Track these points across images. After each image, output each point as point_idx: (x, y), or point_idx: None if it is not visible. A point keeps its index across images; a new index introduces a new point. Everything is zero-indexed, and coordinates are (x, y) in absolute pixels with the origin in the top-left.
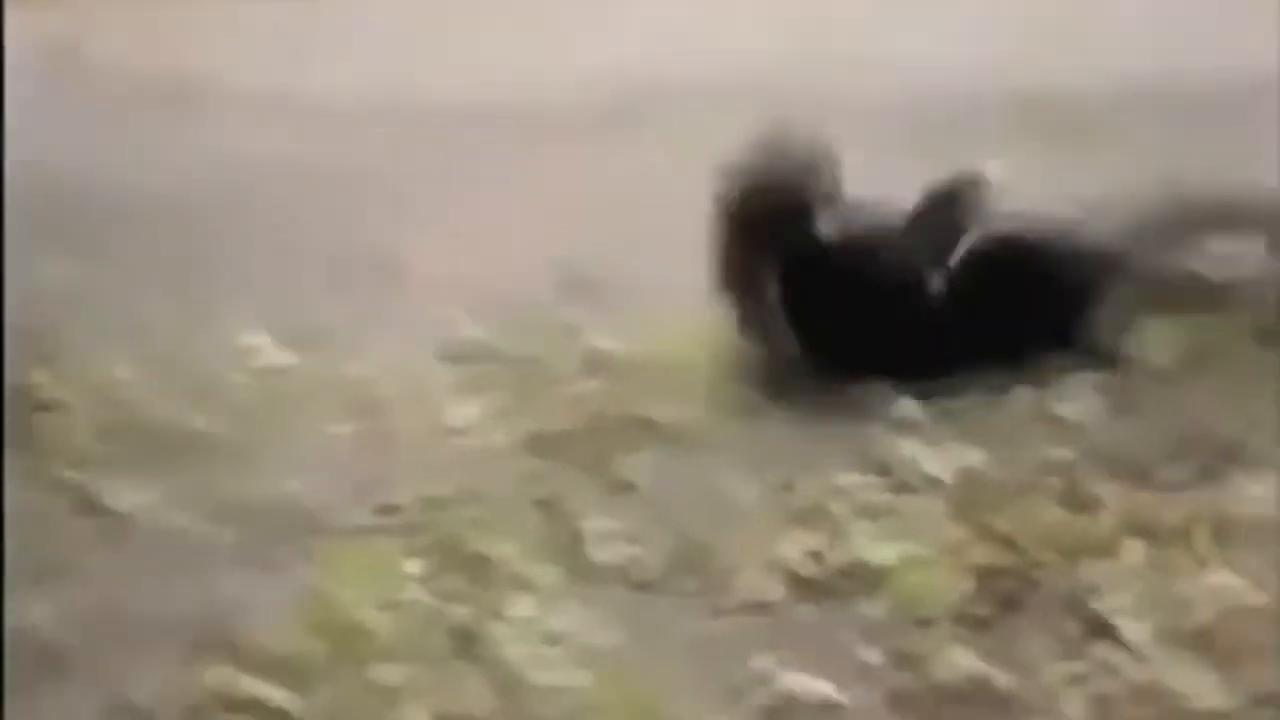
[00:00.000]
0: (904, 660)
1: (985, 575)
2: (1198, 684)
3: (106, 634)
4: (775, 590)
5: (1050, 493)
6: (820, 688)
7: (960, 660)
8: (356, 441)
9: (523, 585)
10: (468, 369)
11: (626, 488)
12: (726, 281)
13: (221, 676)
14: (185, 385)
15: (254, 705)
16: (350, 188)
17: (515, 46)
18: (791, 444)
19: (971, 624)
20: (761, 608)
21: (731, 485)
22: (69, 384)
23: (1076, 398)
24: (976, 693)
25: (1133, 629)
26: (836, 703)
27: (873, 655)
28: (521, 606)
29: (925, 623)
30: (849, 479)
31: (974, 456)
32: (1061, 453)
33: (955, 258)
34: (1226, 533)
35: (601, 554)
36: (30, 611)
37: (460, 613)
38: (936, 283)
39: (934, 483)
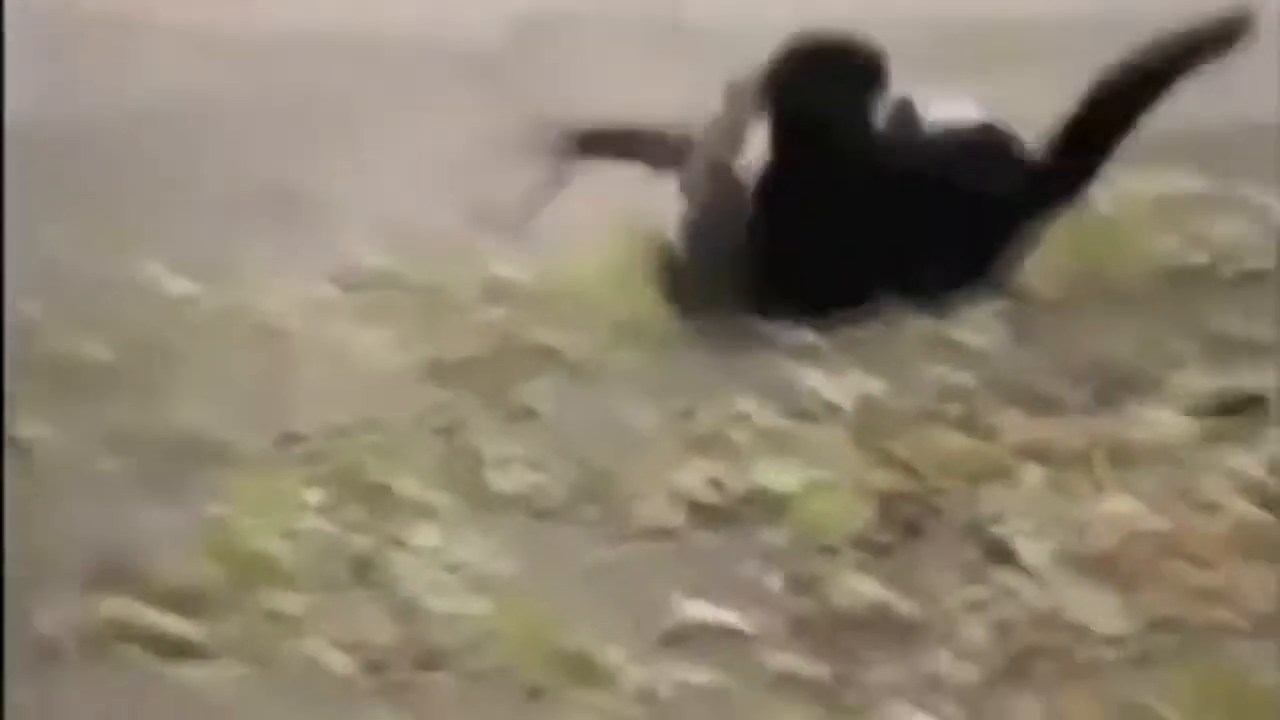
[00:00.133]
0: (805, 587)
1: (885, 501)
2: (1097, 608)
3: (5, 564)
4: (676, 517)
5: (949, 419)
6: (721, 614)
7: (861, 586)
8: (258, 371)
9: (423, 513)
10: (369, 298)
11: (528, 415)
12: (719, 149)
13: (121, 607)
14: (87, 316)
15: (154, 635)
16: (256, 119)
17: None
18: (692, 372)
19: (872, 550)
20: (662, 534)
21: (633, 413)
22: None
23: (975, 325)
24: (877, 619)
25: (1032, 554)
26: (737, 629)
27: (773, 582)
28: (422, 535)
29: (826, 549)
30: (749, 407)
31: (873, 384)
32: (960, 379)
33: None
34: (1124, 458)
35: (502, 482)
36: None
37: (360, 541)
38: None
39: (834, 410)
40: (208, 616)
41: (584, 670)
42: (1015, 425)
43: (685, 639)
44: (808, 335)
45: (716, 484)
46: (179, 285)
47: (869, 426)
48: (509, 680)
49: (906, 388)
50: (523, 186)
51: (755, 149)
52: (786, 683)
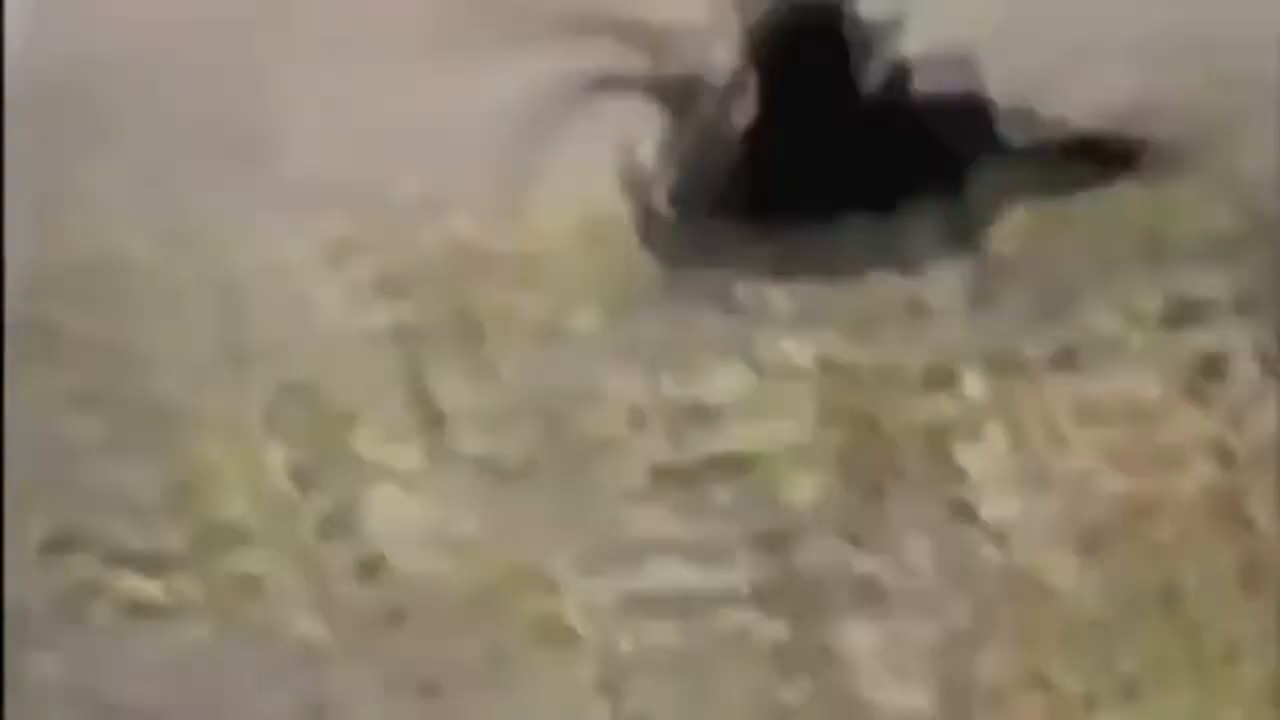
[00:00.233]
0: (769, 547)
1: (850, 461)
2: (1062, 567)
3: None
4: (639, 478)
5: (915, 379)
6: (685, 575)
7: (825, 546)
8: (221, 330)
9: (387, 472)
10: (335, 255)
11: (491, 375)
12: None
13: (87, 567)
14: (48, 274)
15: (120, 596)
16: (217, 78)
17: None
18: (658, 332)
19: (837, 510)
20: (625, 496)
21: (597, 373)
22: None
23: (941, 285)
24: (843, 579)
25: (998, 513)
26: (702, 590)
27: (739, 543)
28: (386, 493)
29: (791, 510)
30: (715, 366)
31: (839, 343)
32: (927, 338)
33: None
34: (1089, 417)
35: (465, 441)
36: None
37: (325, 501)
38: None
39: (800, 370)
40: (173, 576)
41: (548, 630)
42: (981, 384)
43: (649, 599)
44: (776, 294)
45: (680, 443)
46: (144, 244)
47: (834, 386)
48: (473, 639)
49: (873, 347)
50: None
51: (747, 104)
52: (749, 642)
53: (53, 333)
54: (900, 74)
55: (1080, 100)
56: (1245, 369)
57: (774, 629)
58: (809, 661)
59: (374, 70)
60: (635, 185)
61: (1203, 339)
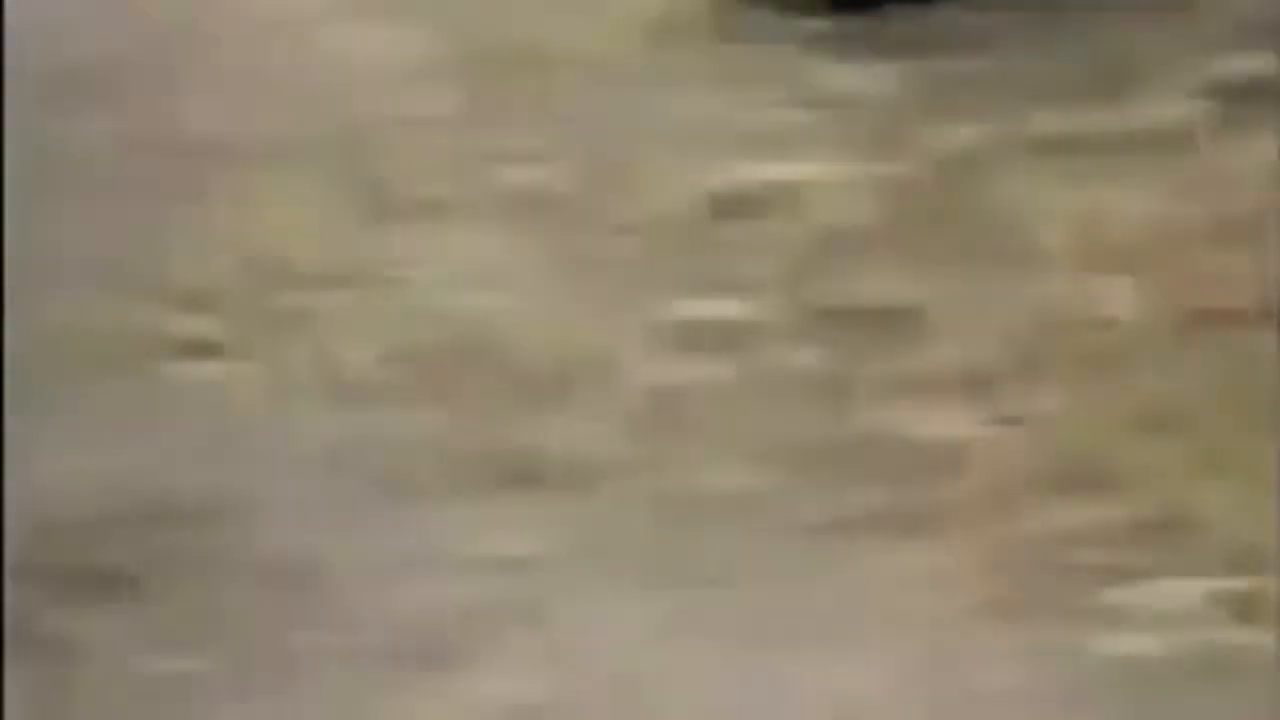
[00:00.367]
0: (817, 279)
1: (900, 191)
2: (1112, 297)
3: (32, 269)
4: (691, 210)
5: (964, 110)
6: (733, 308)
7: (874, 279)
8: (273, 68)
9: (437, 210)
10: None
11: (544, 111)
12: None
13: (137, 308)
14: (94, 19)
15: (172, 337)
16: None
17: None
18: (710, 66)
19: (885, 241)
20: (677, 226)
21: (649, 108)
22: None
23: (988, 18)
24: (891, 309)
25: (1047, 243)
26: (750, 321)
27: (785, 274)
28: (437, 232)
29: (839, 241)
30: (765, 99)
31: (890, 75)
32: (975, 69)
33: None
34: (1138, 145)
35: (514, 176)
36: None
37: (375, 241)
38: None
39: (850, 100)
40: (225, 316)
41: (598, 365)
42: (1030, 118)
43: (694, 332)
44: (825, 25)
45: (730, 175)
46: None
47: (884, 118)
48: (523, 376)
49: (922, 79)
50: None
51: None
52: (793, 376)
53: (100, 68)
54: None
55: None
56: None
57: (818, 362)
58: (854, 394)
59: None
60: None
61: (1251, 63)
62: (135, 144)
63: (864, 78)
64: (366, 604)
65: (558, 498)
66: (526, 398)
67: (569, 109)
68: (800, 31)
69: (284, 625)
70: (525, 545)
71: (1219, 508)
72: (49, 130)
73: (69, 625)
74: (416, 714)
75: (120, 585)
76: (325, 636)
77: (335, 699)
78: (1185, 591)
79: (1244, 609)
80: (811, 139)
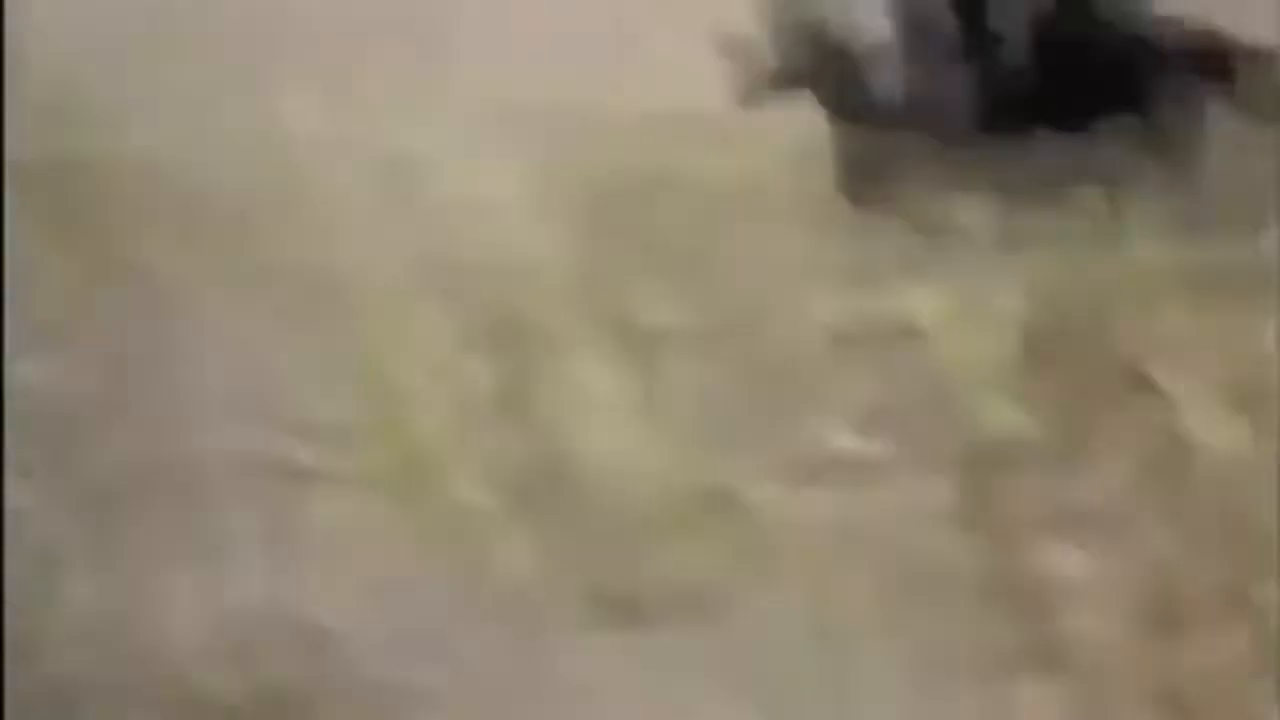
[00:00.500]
0: (946, 415)
1: (1027, 330)
2: (1231, 435)
3: (152, 396)
4: (820, 345)
5: (1092, 244)
6: (863, 445)
7: (1001, 414)
8: (395, 204)
9: (567, 347)
10: (515, 128)
11: (665, 248)
12: None
13: (263, 438)
14: (222, 150)
15: (295, 467)
16: None
17: None
18: (829, 197)
19: (1013, 378)
20: (806, 362)
21: (777, 244)
22: (105, 152)
23: (1108, 145)
24: (1016, 446)
25: (1174, 382)
26: (878, 458)
27: (915, 410)
28: (566, 367)
29: (968, 377)
30: (885, 229)
31: (1017, 211)
32: (1094, 197)
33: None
34: (1265, 282)
35: (644, 314)
36: (65, 375)
37: (501, 374)
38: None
39: (977, 238)
40: (348, 448)
41: (725, 502)
42: (1152, 247)
43: (829, 468)
44: (951, 164)
45: (858, 312)
46: (316, 120)
47: (1012, 254)
48: (651, 512)
49: (1049, 212)
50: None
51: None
52: (925, 513)
53: (223, 208)
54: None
55: None
56: None
57: (950, 499)
58: (986, 531)
59: None
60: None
61: None
62: (261, 276)
63: (986, 213)
64: None
65: (684, 630)
66: (648, 530)
67: (694, 242)
68: (925, 167)
69: None
70: (648, 679)
71: None
72: (174, 266)
73: None
74: None
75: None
76: None
77: None
78: None
79: None
80: (936, 274)
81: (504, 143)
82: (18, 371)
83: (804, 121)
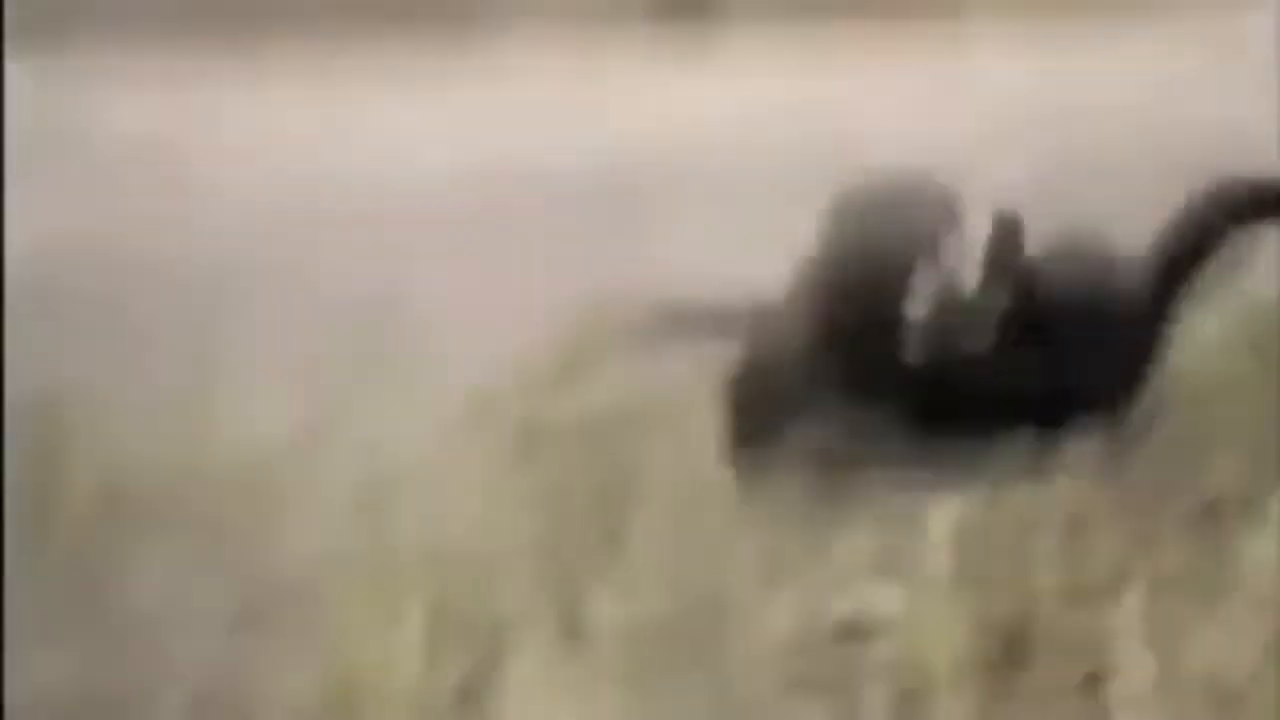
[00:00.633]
0: (906, 712)
1: (986, 624)
2: None
3: (106, 698)
4: (778, 642)
5: (1051, 538)
6: None
7: (963, 709)
8: (357, 497)
9: (525, 644)
10: (473, 423)
11: (624, 540)
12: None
13: None
14: (183, 447)
15: None
16: (348, 243)
17: (531, 112)
18: (788, 492)
19: (974, 672)
20: (765, 662)
21: (730, 537)
22: (75, 451)
23: (1078, 442)
24: None
25: (1135, 679)
26: None
27: (876, 705)
28: (524, 665)
29: (927, 672)
30: (848, 528)
31: (974, 503)
32: (1062, 497)
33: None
34: (1226, 581)
35: (603, 611)
36: (30, 675)
37: (461, 670)
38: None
39: (934, 530)
40: None
41: None
42: (1115, 548)
43: None
44: (908, 454)
45: (815, 609)
46: (276, 414)
47: (970, 547)
48: None
49: (1008, 507)
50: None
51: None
52: None
53: (187, 500)
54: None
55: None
56: None
57: None
58: None
59: None
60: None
61: None
62: (225, 567)
63: (953, 505)
64: None
65: None
66: None
67: (656, 537)
68: (887, 454)
69: None
70: None
71: None
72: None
73: None
74: None
75: None
76: None
77: None
78: None
79: None
80: (903, 568)
81: (470, 435)
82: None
83: None
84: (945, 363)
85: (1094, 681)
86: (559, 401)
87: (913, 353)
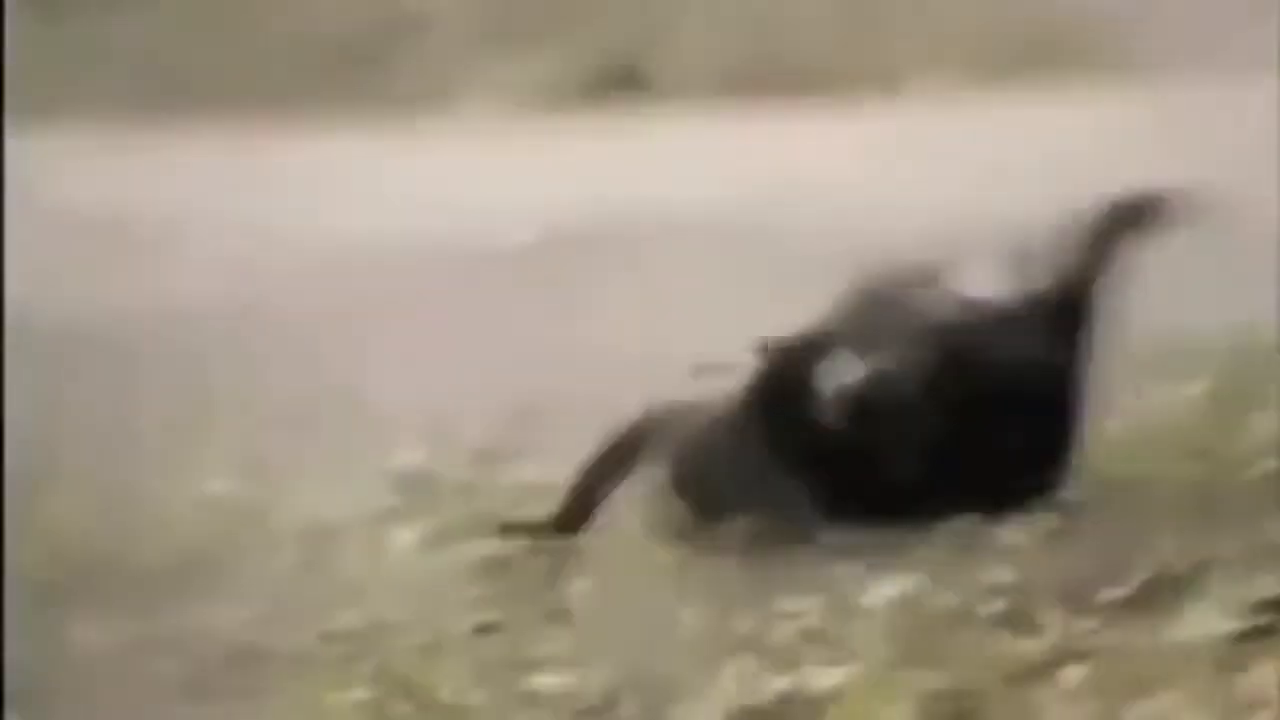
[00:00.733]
0: None
1: (926, 701)
2: None
3: None
4: (718, 718)
5: (990, 617)
6: None
7: None
8: (299, 572)
9: (464, 714)
10: (411, 497)
11: (566, 615)
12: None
13: None
14: (133, 520)
15: None
16: (297, 324)
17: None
18: (730, 570)
19: None
20: None
21: (671, 613)
22: (22, 523)
23: (1016, 523)
24: None
25: None
26: None
27: None
28: None
29: None
30: (788, 605)
31: (913, 582)
32: (1001, 576)
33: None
34: (1166, 657)
35: (542, 681)
36: None
37: None
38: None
39: (874, 609)
40: None
41: None
42: (1056, 624)
43: None
44: (848, 534)
45: (757, 683)
46: (221, 487)
47: (909, 625)
48: None
49: (946, 585)
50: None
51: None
52: None
53: (134, 571)
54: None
55: None
56: None
57: None
58: None
59: None
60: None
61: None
62: (165, 643)
63: (893, 583)
64: None
65: None
66: None
67: (600, 611)
68: (819, 536)
69: None
70: None
71: None
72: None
73: None
74: None
75: None
76: None
77: None
78: None
79: None
80: (842, 647)
81: (411, 511)
82: None
83: None
84: (876, 443)
85: None
86: (498, 479)
87: (834, 421)
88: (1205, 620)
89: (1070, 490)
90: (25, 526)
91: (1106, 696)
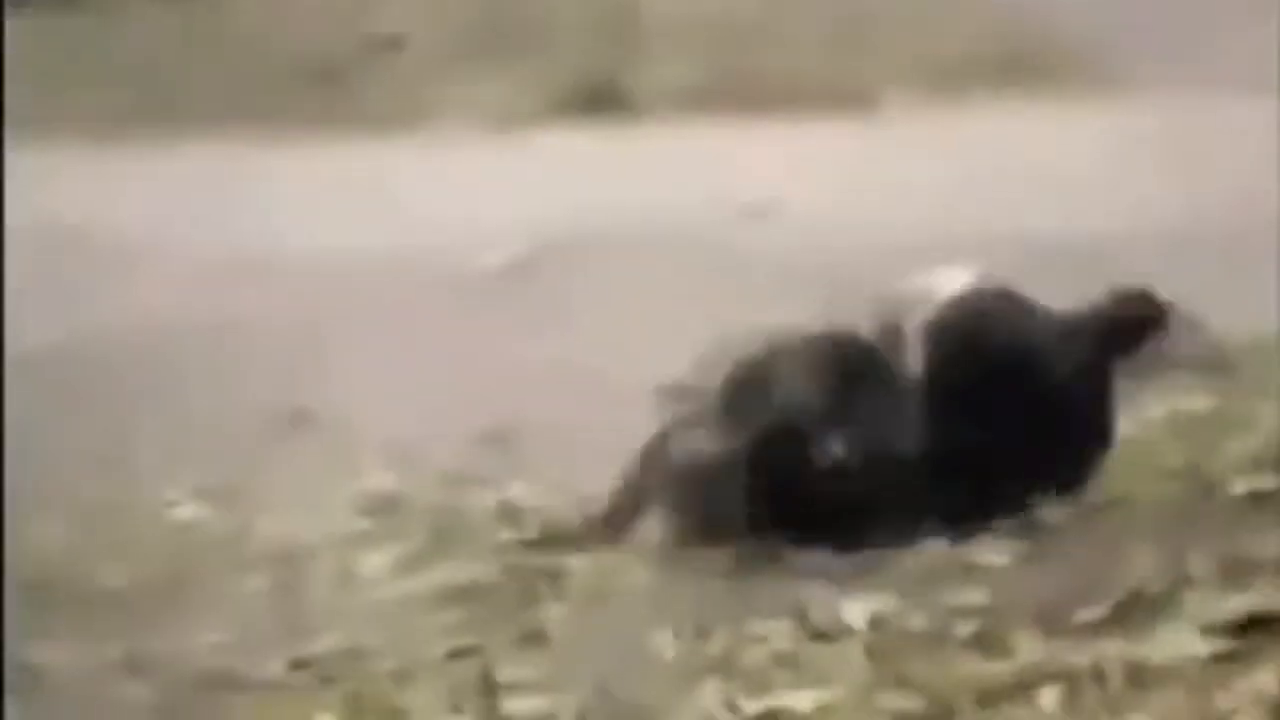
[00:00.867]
0: None
1: None
2: None
3: None
4: None
5: (964, 638)
6: None
7: None
8: (270, 595)
9: None
10: (383, 521)
11: (540, 638)
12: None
13: None
14: (102, 542)
15: None
16: (264, 341)
17: (444, 202)
18: (705, 593)
19: None
20: None
21: (645, 636)
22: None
23: (989, 544)
24: None
25: None
26: None
27: None
28: None
29: None
30: (763, 627)
31: (888, 604)
32: (974, 598)
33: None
34: (1140, 677)
35: (515, 705)
36: None
37: None
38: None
39: (848, 630)
40: None
41: None
42: (1030, 645)
43: None
44: (822, 554)
45: (731, 706)
46: (194, 511)
47: (883, 647)
48: None
49: (920, 606)
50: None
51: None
52: None
53: (102, 594)
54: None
55: None
56: None
57: None
58: None
59: None
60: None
61: (1257, 598)
62: (136, 665)
63: (861, 606)
64: None
65: None
66: None
67: (572, 637)
68: (792, 559)
69: None
70: None
71: None
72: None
73: None
74: None
75: None
76: None
77: None
78: None
79: None
80: (816, 670)
81: (373, 532)
82: None
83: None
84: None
85: None
86: (473, 500)
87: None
88: (1180, 641)
89: (1043, 511)
90: None
91: (1081, 718)
